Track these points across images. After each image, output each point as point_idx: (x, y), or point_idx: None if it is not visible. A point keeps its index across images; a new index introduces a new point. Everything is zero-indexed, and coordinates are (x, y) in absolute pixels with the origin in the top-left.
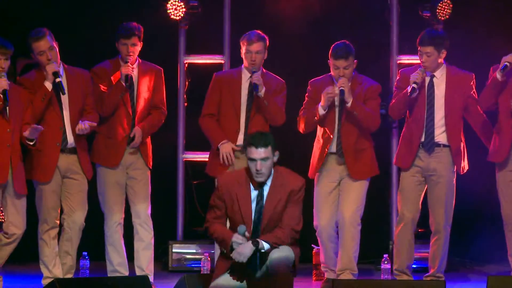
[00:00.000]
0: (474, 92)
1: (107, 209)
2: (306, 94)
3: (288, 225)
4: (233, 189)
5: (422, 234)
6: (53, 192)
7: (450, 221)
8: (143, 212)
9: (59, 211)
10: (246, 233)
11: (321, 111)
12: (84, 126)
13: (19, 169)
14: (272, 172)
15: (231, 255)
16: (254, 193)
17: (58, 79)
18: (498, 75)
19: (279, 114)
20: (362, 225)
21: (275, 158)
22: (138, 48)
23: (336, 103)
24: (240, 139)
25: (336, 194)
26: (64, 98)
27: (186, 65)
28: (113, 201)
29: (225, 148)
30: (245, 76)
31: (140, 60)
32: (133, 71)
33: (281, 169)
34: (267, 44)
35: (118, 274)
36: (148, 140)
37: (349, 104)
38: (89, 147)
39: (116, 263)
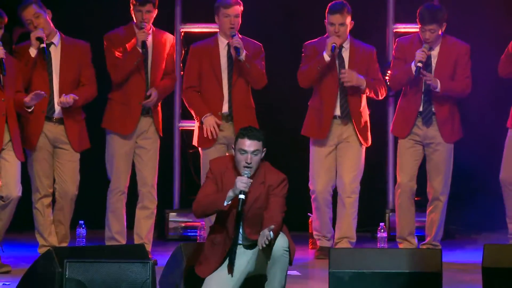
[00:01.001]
0: (466, 62)
1: (113, 177)
2: (302, 55)
3: (273, 211)
4: (224, 173)
5: (419, 203)
6: (44, 160)
7: (448, 189)
8: (150, 181)
9: (52, 180)
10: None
11: (326, 57)
12: (66, 99)
13: (17, 136)
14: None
15: (233, 190)
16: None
17: (42, 45)
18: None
19: (261, 77)
20: (359, 194)
21: (263, 155)
22: (153, 15)
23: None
24: (225, 108)
25: (333, 158)
26: (55, 67)
27: (183, 33)
28: (120, 170)
29: (209, 121)
30: (222, 43)
31: (154, 28)
32: (148, 37)
33: (265, 165)
34: (242, 8)
35: (114, 242)
36: (159, 107)
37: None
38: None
39: (115, 231)
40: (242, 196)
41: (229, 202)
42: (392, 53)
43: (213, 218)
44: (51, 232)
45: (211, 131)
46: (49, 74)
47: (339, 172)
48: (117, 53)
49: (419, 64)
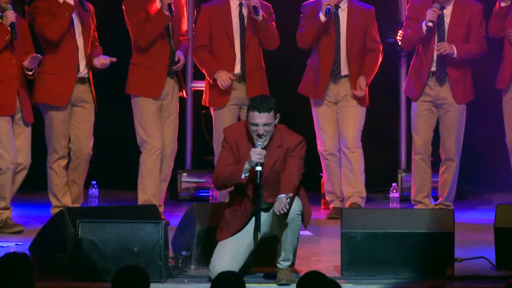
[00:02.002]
0: (481, 22)
1: (147, 137)
2: (301, 15)
3: (290, 173)
4: (239, 141)
5: (432, 163)
6: (64, 121)
7: (460, 150)
8: (168, 144)
9: (68, 140)
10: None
11: (322, 18)
12: (106, 61)
13: (27, 99)
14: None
15: (248, 162)
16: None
17: None
18: (503, 3)
19: (275, 38)
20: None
21: (276, 121)
22: None
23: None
24: (237, 68)
25: (335, 116)
26: (77, 27)
27: None
28: (154, 129)
29: (222, 75)
30: (234, 3)
31: None
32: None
33: (281, 128)
34: None
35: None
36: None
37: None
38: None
39: (151, 193)
40: (259, 168)
41: (247, 174)
42: (404, 13)
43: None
44: (64, 193)
45: (224, 83)
46: (74, 32)
47: (341, 129)
48: (140, 16)
49: (430, 24)
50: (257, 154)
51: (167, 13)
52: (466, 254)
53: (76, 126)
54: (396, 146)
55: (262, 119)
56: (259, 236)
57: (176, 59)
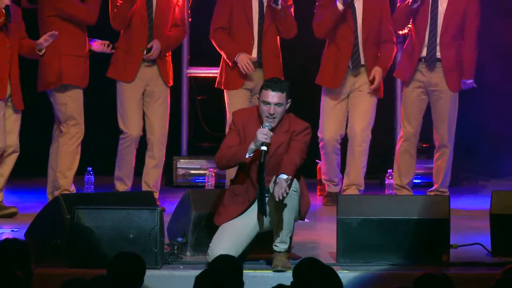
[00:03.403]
0: (476, 9)
1: (125, 124)
2: (316, 4)
3: (292, 154)
4: (247, 125)
5: (427, 149)
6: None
7: (453, 136)
8: (158, 130)
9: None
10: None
11: (339, 6)
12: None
13: (18, 84)
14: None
15: (254, 142)
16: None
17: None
18: None
19: (293, 26)
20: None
21: (287, 106)
22: None
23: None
24: (254, 53)
25: (344, 107)
26: None
27: None
28: (131, 117)
29: (243, 58)
30: None
31: None
32: None
33: (290, 116)
34: None
35: (121, 183)
36: (169, 58)
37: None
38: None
39: (124, 174)
40: (264, 148)
41: (251, 155)
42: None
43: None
44: None
45: (246, 67)
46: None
47: (350, 121)
48: (119, 1)
49: (415, 4)
50: (263, 134)
51: None
52: (461, 241)
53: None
54: (392, 132)
55: (274, 98)
56: (264, 221)
57: (148, 47)
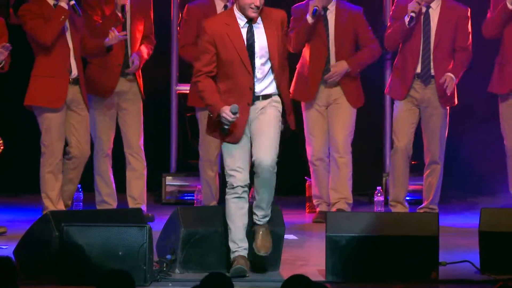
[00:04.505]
0: (468, 26)
1: (96, 139)
2: (291, 18)
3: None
4: (222, 29)
5: (416, 166)
6: (62, 123)
7: (444, 153)
8: (134, 142)
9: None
10: (237, 115)
11: (309, 19)
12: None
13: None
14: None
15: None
16: (243, 31)
17: (72, 2)
18: (509, 4)
19: None
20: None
21: None
22: None
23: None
24: None
25: (325, 120)
26: (67, 28)
27: None
28: (102, 132)
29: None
30: (219, 5)
31: None
32: (128, 1)
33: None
34: None
35: (106, 205)
36: (139, 71)
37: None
38: None
39: (104, 193)
40: (226, 127)
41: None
42: (389, 15)
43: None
44: (60, 198)
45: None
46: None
47: (331, 133)
48: (95, 17)
49: (412, 14)
50: (227, 119)
51: (120, 14)
52: (450, 258)
53: (75, 129)
54: (381, 149)
55: None
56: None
57: (130, 61)
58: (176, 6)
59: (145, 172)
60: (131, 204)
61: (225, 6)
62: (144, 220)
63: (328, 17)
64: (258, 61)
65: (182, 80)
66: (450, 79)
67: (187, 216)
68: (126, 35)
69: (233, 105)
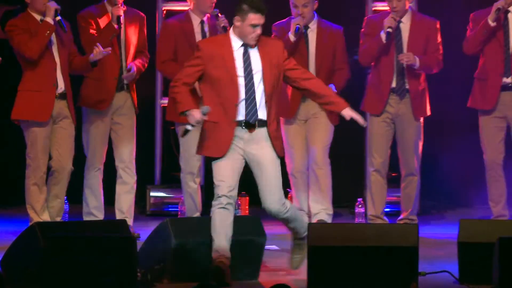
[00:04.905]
0: (438, 38)
1: (89, 153)
2: (272, 36)
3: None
4: (216, 49)
5: (396, 178)
6: (47, 137)
7: (420, 164)
8: (127, 156)
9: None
10: (205, 117)
11: (291, 37)
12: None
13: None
14: None
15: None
16: (239, 52)
17: (58, 17)
18: (490, 20)
19: None
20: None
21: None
22: None
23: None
24: None
25: (304, 133)
26: (54, 43)
27: (165, 12)
28: (96, 146)
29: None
30: (195, 20)
31: (125, 6)
32: (122, 12)
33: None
34: None
35: (92, 217)
36: (134, 85)
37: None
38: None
39: (92, 206)
40: (189, 127)
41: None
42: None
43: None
44: (44, 208)
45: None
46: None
47: (309, 145)
48: (91, 31)
49: (389, 30)
50: (195, 120)
51: (115, 25)
52: (430, 268)
53: (58, 143)
54: (361, 161)
55: (261, 20)
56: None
57: (127, 69)
58: (161, 21)
59: (135, 186)
60: (119, 217)
61: (202, 22)
62: (129, 232)
63: (309, 35)
64: (248, 82)
65: (167, 94)
66: (412, 55)
67: (177, 227)
68: (110, 51)
69: (205, 106)
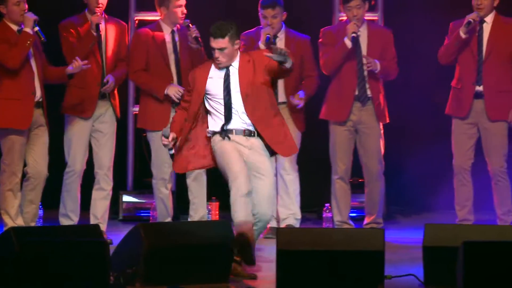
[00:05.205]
0: (392, 46)
1: (70, 159)
2: (241, 44)
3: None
4: (202, 75)
5: (362, 184)
6: (24, 144)
7: (383, 168)
8: (106, 163)
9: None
10: (170, 138)
11: (261, 46)
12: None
13: None
14: (239, 55)
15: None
16: (221, 74)
17: (36, 28)
18: (462, 33)
19: None
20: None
21: (236, 46)
22: (106, 1)
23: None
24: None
25: None
26: (31, 53)
27: (137, 21)
28: (77, 152)
29: (173, 88)
30: (166, 30)
31: (106, 15)
32: (101, 21)
33: (248, 52)
34: None
35: (68, 219)
36: (116, 91)
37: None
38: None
39: (69, 209)
40: (170, 152)
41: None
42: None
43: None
44: (18, 214)
45: (178, 94)
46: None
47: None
48: (72, 40)
49: (354, 35)
50: (164, 145)
51: (95, 33)
52: (395, 272)
53: (33, 150)
54: (329, 167)
55: (217, 44)
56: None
57: (105, 81)
58: (133, 31)
59: (111, 193)
60: (93, 222)
61: (172, 31)
62: (103, 237)
63: (278, 44)
64: (229, 100)
65: (139, 101)
66: (373, 60)
67: (149, 232)
68: (89, 65)
69: (165, 129)
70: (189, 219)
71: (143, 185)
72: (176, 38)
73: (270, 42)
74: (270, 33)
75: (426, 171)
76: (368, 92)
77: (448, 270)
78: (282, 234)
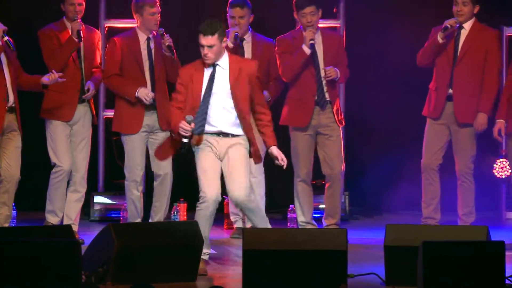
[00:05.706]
0: (344, 51)
1: (58, 158)
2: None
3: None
4: (192, 73)
5: (323, 185)
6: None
7: (342, 169)
8: (82, 166)
9: None
10: (192, 124)
11: (229, 45)
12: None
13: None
14: (228, 56)
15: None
16: (207, 75)
17: (5, 38)
18: (439, 37)
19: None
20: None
21: (224, 44)
22: (83, 8)
23: None
24: None
25: None
26: (3, 60)
27: (107, 28)
28: (64, 152)
29: (144, 91)
30: (142, 37)
31: (82, 23)
32: (81, 27)
33: (235, 56)
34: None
35: (55, 215)
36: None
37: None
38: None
39: (57, 207)
40: (185, 140)
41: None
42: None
43: None
44: None
45: (149, 96)
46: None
47: None
48: (53, 46)
49: (312, 41)
50: (183, 130)
51: (76, 39)
52: (358, 271)
53: (6, 154)
54: (292, 169)
55: (207, 41)
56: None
57: (86, 88)
58: (103, 38)
59: (84, 195)
60: (66, 223)
61: (148, 39)
62: (75, 237)
63: (245, 46)
64: (212, 100)
65: (109, 106)
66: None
67: (119, 232)
68: (65, 79)
69: (188, 115)
70: (150, 220)
71: (114, 187)
72: (152, 45)
73: (237, 42)
74: (238, 31)
75: (388, 172)
76: (327, 96)
77: (408, 269)
78: (248, 234)
